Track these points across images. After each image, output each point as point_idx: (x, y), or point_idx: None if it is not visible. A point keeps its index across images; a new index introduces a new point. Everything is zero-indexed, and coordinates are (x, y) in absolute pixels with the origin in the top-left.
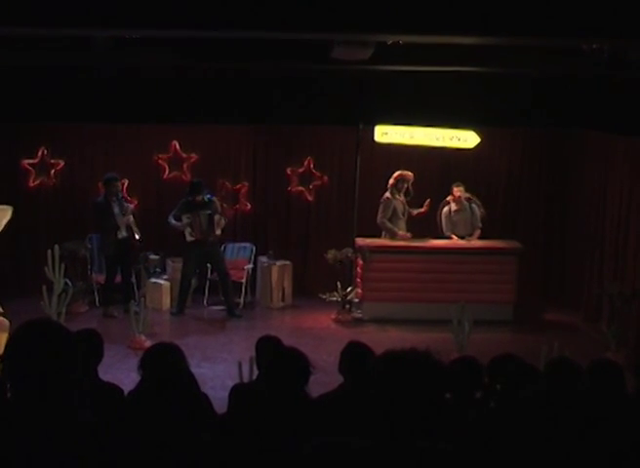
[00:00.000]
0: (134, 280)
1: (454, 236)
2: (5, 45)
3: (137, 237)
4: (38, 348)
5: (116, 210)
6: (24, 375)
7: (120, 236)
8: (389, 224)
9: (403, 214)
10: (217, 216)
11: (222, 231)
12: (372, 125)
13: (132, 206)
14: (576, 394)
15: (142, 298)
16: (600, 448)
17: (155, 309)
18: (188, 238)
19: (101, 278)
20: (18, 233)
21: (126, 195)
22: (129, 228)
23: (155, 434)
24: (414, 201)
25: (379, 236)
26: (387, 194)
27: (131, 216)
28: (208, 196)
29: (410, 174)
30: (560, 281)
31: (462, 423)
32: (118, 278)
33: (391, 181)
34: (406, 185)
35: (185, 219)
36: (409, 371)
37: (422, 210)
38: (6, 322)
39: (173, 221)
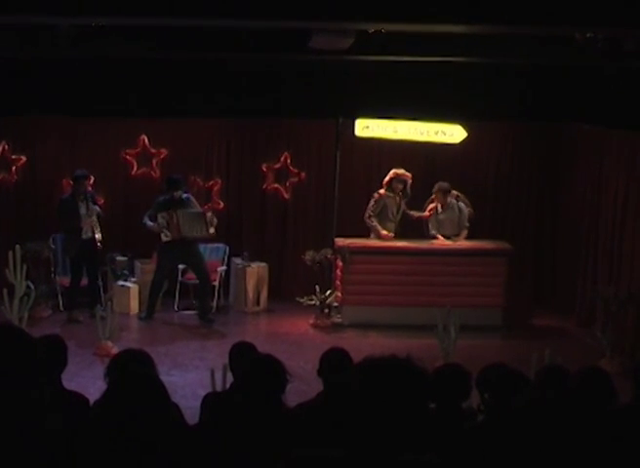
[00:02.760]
0: (100, 283)
1: (439, 236)
2: None
3: (97, 240)
4: None
5: (82, 210)
6: None
7: (85, 236)
8: (374, 222)
9: (393, 215)
10: (209, 214)
11: (216, 230)
12: (352, 118)
13: (98, 208)
14: (567, 403)
15: (109, 302)
16: (591, 460)
17: (123, 314)
18: (164, 238)
19: (66, 280)
20: None
21: (92, 191)
22: (92, 230)
23: (122, 446)
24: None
25: (361, 235)
26: (381, 191)
27: (94, 219)
28: (185, 195)
29: (407, 174)
30: (552, 284)
31: (448, 434)
32: (84, 281)
33: (386, 179)
34: (401, 186)
35: (161, 219)
36: (389, 379)
37: (425, 214)
38: None
39: (149, 223)
